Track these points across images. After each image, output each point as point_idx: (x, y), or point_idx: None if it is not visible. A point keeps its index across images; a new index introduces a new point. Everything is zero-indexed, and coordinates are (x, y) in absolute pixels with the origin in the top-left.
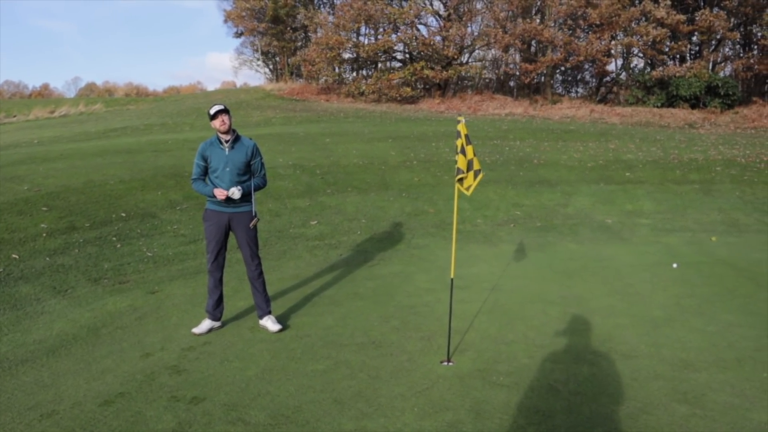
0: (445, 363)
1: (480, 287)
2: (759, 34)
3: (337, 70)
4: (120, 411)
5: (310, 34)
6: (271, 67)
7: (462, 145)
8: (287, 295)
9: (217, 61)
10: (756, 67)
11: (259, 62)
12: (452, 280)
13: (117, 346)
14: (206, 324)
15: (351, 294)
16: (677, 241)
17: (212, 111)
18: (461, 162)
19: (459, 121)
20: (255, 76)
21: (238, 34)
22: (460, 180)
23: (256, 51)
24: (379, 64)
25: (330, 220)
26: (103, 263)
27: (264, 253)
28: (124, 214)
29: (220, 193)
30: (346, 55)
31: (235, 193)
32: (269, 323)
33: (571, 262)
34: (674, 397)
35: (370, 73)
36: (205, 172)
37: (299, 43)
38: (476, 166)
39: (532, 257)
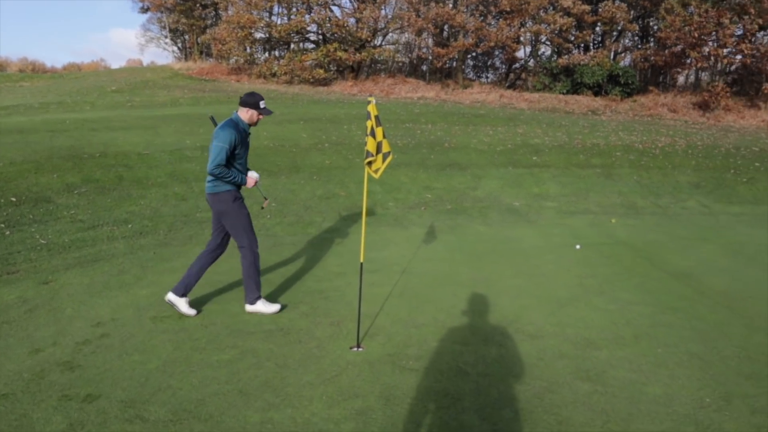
0: (355, 349)
1: (390, 270)
2: (655, 27)
3: (248, 50)
4: (2, 414)
5: (220, 12)
6: (179, 45)
7: (372, 127)
8: None
9: (122, 37)
10: (652, 58)
11: (167, 40)
12: (362, 264)
13: (2, 342)
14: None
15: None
16: (580, 223)
17: (263, 105)
18: (370, 145)
19: (369, 102)
20: (162, 55)
21: (144, 10)
22: (369, 163)
23: (164, 28)
24: (292, 45)
25: None
26: None
27: (169, 238)
28: (14, 199)
29: (255, 178)
30: (258, 35)
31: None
32: (260, 306)
33: (480, 244)
34: (578, 375)
35: (282, 54)
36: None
37: (209, 21)
38: (386, 148)
39: (443, 240)
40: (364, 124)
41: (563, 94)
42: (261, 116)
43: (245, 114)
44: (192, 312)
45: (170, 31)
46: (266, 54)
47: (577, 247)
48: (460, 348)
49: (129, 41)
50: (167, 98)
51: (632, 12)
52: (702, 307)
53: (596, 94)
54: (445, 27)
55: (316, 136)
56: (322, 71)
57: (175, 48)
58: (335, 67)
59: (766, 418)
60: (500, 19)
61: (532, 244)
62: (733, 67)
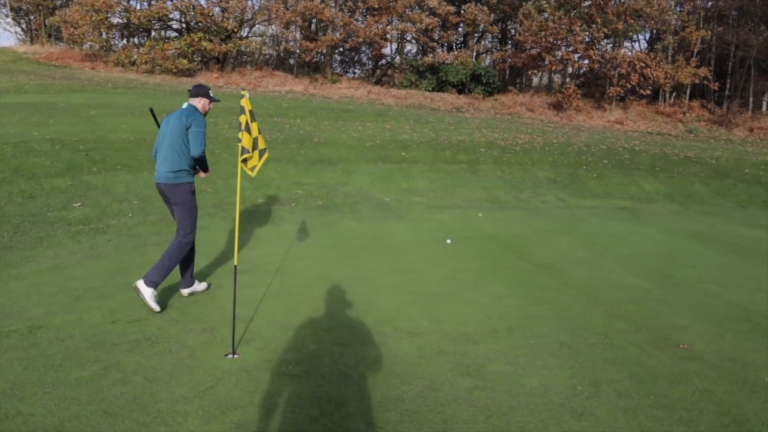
0: (230, 356)
1: (263, 270)
2: (513, 30)
3: (104, 35)
4: None
5: None
6: (24, 26)
7: (247, 122)
8: (44, 289)
9: None
10: (511, 60)
11: (9, 19)
12: (236, 267)
13: None
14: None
15: (122, 284)
16: (449, 217)
17: (211, 94)
18: (246, 141)
19: (242, 96)
20: (3, 36)
21: None
22: (245, 160)
23: (4, 6)
24: (153, 33)
25: (97, 202)
26: None
27: (15, 240)
28: None
29: None
30: (115, 20)
31: None
32: (149, 294)
33: (353, 240)
34: (458, 371)
35: (142, 41)
36: None
37: (59, 2)
38: (261, 144)
39: (315, 237)
40: (231, 118)
41: (429, 91)
42: (211, 105)
43: (198, 103)
44: (203, 286)
45: (12, 9)
46: (125, 41)
47: (448, 241)
48: (340, 350)
49: None
50: (9, 84)
51: (493, 15)
52: (567, 297)
53: (460, 92)
54: (314, 21)
55: None
56: (185, 61)
57: (19, 29)
58: (200, 58)
59: (632, 401)
60: (368, 16)
61: (404, 240)
62: (582, 71)
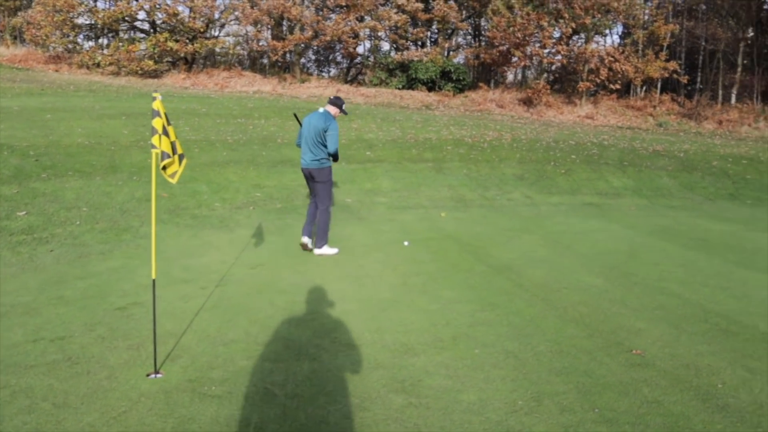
0: (153, 376)
1: (207, 279)
2: (484, 26)
3: (69, 36)
4: None
5: None
6: None
7: (163, 126)
8: None
9: None
10: (482, 56)
11: None
12: (154, 281)
13: None
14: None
15: (54, 298)
16: (411, 218)
17: (344, 107)
18: (165, 144)
19: (154, 98)
20: None
21: None
22: (164, 167)
23: None
24: (120, 33)
25: (43, 210)
26: None
27: None
28: None
29: None
30: (80, 21)
31: None
32: (325, 249)
33: None
34: (392, 387)
35: (110, 42)
36: None
37: (21, 2)
38: (180, 149)
39: (269, 242)
40: (194, 120)
41: (399, 89)
42: (339, 114)
43: (332, 110)
44: (335, 250)
45: None
46: (91, 42)
47: (406, 243)
48: (270, 366)
49: None
50: None
51: (463, 12)
52: (520, 301)
53: (430, 89)
54: (284, 20)
55: (138, 133)
56: (152, 62)
57: None
58: (168, 59)
59: (574, 417)
60: (337, 14)
61: (360, 243)
62: (553, 67)
